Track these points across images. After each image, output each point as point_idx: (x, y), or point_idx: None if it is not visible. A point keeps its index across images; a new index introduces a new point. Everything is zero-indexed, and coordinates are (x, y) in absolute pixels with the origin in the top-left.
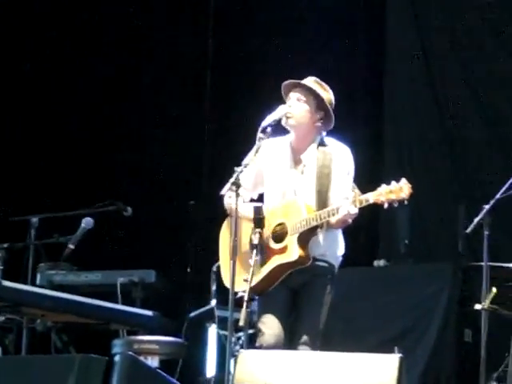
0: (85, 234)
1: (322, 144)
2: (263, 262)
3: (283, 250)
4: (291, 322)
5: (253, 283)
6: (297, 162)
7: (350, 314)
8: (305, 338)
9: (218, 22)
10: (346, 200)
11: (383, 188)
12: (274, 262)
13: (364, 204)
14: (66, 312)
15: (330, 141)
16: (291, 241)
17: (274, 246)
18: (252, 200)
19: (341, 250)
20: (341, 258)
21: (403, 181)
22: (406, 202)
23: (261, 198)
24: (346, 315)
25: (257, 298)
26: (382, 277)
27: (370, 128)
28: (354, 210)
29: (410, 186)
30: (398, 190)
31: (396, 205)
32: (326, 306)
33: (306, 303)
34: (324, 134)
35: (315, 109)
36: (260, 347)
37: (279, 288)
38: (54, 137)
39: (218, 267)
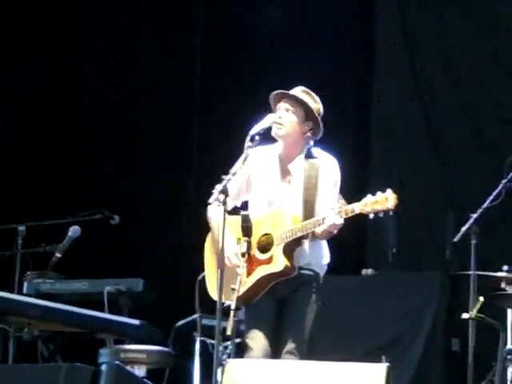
0: (72, 243)
1: (309, 155)
2: (248, 272)
3: (269, 261)
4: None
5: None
6: (284, 172)
7: (337, 323)
8: (290, 346)
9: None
10: (332, 210)
11: (368, 198)
12: (260, 272)
13: (350, 214)
14: (52, 321)
15: (318, 151)
16: (277, 251)
17: (259, 256)
18: (236, 208)
19: (326, 258)
20: (326, 267)
21: (389, 191)
22: (391, 213)
23: (245, 206)
24: (334, 324)
25: (243, 307)
26: (370, 286)
27: (357, 137)
28: (340, 221)
29: (395, 196)
30: (383, 200)
31: (382, 215)
32: (312, 314)
33: (292, 312)
34: (311, 143)
35: (304, 119)
36: None
37: (265, 299)
38: (41, 145)
39: (203, 277)
